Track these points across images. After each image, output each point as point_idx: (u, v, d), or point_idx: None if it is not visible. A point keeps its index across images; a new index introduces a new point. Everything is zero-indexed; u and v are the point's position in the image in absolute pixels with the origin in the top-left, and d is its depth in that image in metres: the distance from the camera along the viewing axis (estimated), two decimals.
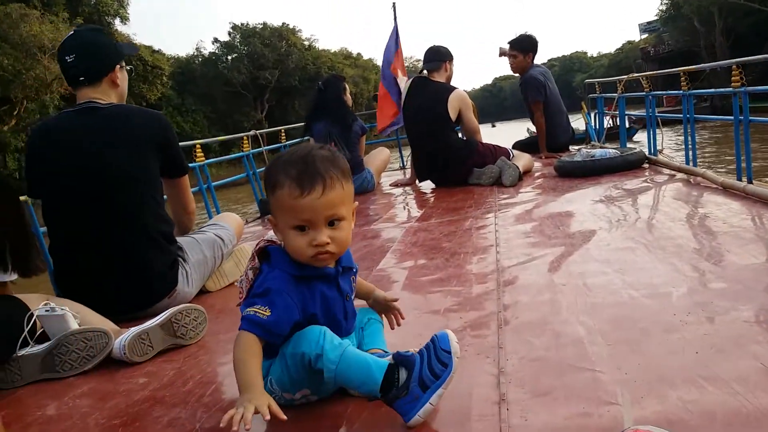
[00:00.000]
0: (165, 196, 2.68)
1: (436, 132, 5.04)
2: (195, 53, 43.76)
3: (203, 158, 4.64)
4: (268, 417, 1.19)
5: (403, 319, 1.69)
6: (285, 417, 1.21)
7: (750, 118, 3.71)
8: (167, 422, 1.52)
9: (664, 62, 44.98)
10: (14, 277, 1.99)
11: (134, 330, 1.98)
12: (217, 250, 2.73)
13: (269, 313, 1.30)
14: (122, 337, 1.96)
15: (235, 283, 2.56)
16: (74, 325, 1.99)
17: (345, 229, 1.36)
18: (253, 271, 1.42)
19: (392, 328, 1.68)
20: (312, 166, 1.32)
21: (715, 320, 1.68)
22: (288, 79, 41.88)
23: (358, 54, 55.89)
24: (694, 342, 1.55)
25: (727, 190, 3.50)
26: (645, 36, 62.98)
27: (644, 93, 5.62)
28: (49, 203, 2.45)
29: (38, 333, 2.00)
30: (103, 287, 2.36)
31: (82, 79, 2.49)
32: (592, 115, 7.37)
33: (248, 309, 1.33)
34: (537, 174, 5.17)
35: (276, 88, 41.99)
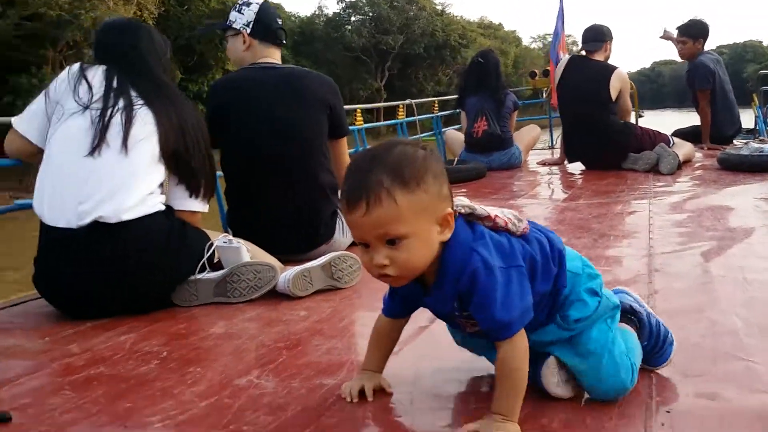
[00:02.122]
0: None
1: (595, 113, 4.90)
2: (317, 12, 40.51)
3: (362, 122, 4.85)
4: (391, 390, 1.37)
5: None
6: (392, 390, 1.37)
7: None
8: (326, 350, 1.67)
9: None
10: (206, 208, 2.26)
11: (298, 267, 2.16)
12: None
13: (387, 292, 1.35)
14: (287, 273, 2.15)
15: None
16: (246, 258, 2.20)
17: (409, 250, 1.11)
18: None
19: None
20: (361, 177, 1.11)
21: None
22: (413, 46, 37.70)
23: (499, 24, 52.29)
24: None
25: None
26: None
27: None
28: (230, 151, 2.70)
29: (215, 262, 2.23)
30: (273, 230, 2.57)
31: (284, 41, 2.83)
32: (764, 108, 6.86)
33: None
34: (697, 165, 4.93)
35: (399, 54, 37.83)
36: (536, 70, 7.93)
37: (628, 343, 1.32)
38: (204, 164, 2.23)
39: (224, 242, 2.20)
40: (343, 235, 2.72)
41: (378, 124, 6.37)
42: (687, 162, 4.89)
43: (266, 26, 2.74)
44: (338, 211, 2.71)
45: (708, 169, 4.64)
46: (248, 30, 2.72)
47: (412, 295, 1.27)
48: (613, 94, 4.87)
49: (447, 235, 1.15)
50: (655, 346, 1.38)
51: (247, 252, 2.21)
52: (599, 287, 1.30)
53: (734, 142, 6.05)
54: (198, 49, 24.66)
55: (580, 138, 5.04)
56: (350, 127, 4.76)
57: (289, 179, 2.60)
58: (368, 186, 1.09)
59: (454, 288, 1.17)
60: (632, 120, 5.16)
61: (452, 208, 1.17)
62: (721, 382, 1.35)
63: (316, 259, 2.26)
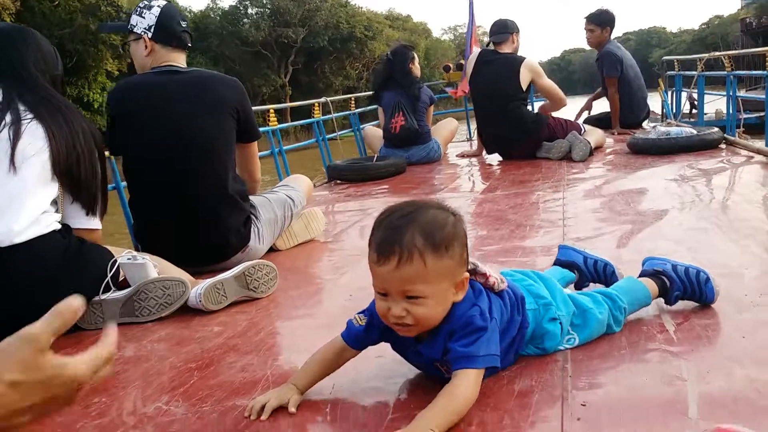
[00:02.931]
0: None
1: (507, 105, 4.97)
2: (211, 5, 38.18)
3: (276, 123, 4.74)
4: (292, 410, 1.30)
5: None
6: (293, 411, 1.31)
7: None
8: (240, 367, 1.60)
9: None
10: (100, 224, 2.14)
11: (210, 280, 2.07)
12: (287, 210, 2.81)
13: (363, 324, 1.36)
14: (198, 287, 2.06)
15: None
16: (154, 273, 2.10)
17: (426, 306, 1.21)
18: None
19: None
20: (397, 234, 1.19)
21: None
22: (316, 38, 34.99)
23: (408, 16, 50.52)
24: (766, 323, 1.52)
25: None
26: (747, 3, 52.66)
27: (725, 73, 5.42)
28: (131, 159, 2.57)
29: (120, 280, 2.12)
30: (181, 241, 2.48)
31: (189, 45, 2.71)
32: (669, 92, 7.14)
33: (355, 316, 1.39)
34: (608, 150, 5.07)
35: (302, 48, 35.08)
36: (450, 64, 8.00)
37: (618, 302, 1.54)
38: (98, 179, 2.10)
39: (128, 258, 2.09)
40: (259, 242, 2.64)
41: (293, 123, 6.22)
42: (598, 148, 5.03)
43: (169, 30, 2.62)
44: (252, 217, 2.63)
45: (619, 154, 4.78)
46: (149, 34, 2.59)
47: (400, 340, 1.33)
48: (524, 84, 4.95)
49: (460, 296, 1.27)
50: (693, 288, 1.61)
51: (154, 267, 2.11)
52: (554, 311, 1.45)
53: (643, 126, 6.27)
54: (72, 49, 22.64)
55: (495, 130, 5.10)
56: (263, 128, 4.68)
57: (195, 188, 2.49)
58: (402, 243, 1.17)
59: (448, 337, 1.26)
60: (564, 102, 5.24)
61: (468, 272, 1.28)
62: (634, 371, 1.36)
63: (231, 269, 2.18)
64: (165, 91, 2.51)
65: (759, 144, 4.50)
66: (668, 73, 7.34)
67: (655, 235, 2.47)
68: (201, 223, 2.49)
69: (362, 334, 1.36)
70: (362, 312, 1.37)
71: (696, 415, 1.14)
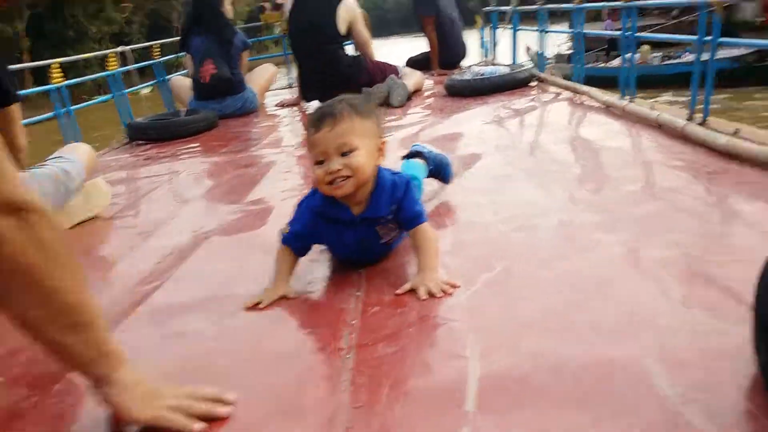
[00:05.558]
0: None
1: (324, 48, 4.72)
2: None
3: (61, 79, 4.15)
4: (293, 296, 1.56)
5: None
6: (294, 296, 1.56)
7: (636, 34, 3.64)
8: None
9: None
10: None
11: None
12: (61, 185, 2.43)
13: (288, 230, 1.64)
14: None
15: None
16: None
17: (359, 158, 1.49)
18: None
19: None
20: (329, 108, 1.51)
21: (582, 257, 1.59)
22: None
23: None
24: (558, 283, 1.45)
25: (609, 108, 3.48)
26: None
27: (537, 7, 5.50)
28: None
29: None
30: None
31: None
32: (486, 29, 7.20)
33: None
34: (427, 93, 5.00)
35: None
36: (265, 4, 7.55)
37: (416, 171, 2.07)
38: None
39: None
40: None
41: (85, 78, 5.48)
42: (418, 91, 4.94)
43: None
44: None
45: (437, 97, 4.72)
46: None
47: (335, 219, 1.59)
48: (342, 27, 4.72)
49: (381, 160, 1.59)
50: (439, 168, 2.23)
51: None
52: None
53: (461, 66, 6.28)
54: None
55: (313, 75, 4.84)
56: (49, 86, 4.12)
57: None
58: (335, 111, 1.49)
59: (391, 197, 1.58)
60: (372, 50, 5.04)
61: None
62: (418, 350, 1.24)
63: None
64: None
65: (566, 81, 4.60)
66: (484, 9, 7.38)
67: (462, 187, 2.39)
68: None
69: (294, 241, 1.62)
70: (289, 224, 1.64)
71: (473, 407, 1.03)
